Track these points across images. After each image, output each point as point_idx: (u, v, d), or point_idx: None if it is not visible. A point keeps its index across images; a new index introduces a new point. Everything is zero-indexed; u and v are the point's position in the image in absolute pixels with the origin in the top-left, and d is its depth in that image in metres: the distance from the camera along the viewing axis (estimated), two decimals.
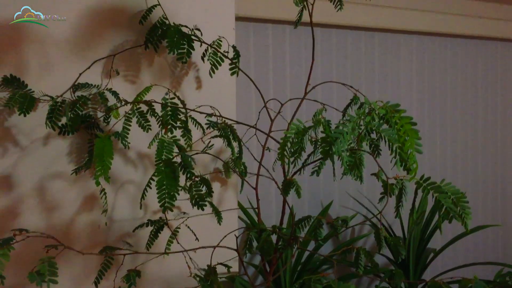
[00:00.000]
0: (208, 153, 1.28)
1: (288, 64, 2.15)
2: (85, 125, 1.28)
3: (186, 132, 1.24)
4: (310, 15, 1.12)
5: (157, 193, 0.95)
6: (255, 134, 1.43)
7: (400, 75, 2.44)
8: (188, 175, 1.03)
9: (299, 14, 1.22)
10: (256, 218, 1.87)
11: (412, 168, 0.82)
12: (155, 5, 1.36)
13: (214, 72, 1.38)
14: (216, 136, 1.28)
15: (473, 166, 2.73)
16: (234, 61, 1.38)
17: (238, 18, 1.95)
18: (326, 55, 2.25)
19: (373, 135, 0.97)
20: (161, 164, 0.96)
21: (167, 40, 1.22)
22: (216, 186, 1.51)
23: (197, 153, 1.25)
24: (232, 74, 1.39)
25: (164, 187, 0.94)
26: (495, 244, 2.83)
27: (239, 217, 1.68)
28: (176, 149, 1.07)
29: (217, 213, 1.29)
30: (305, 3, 1.14)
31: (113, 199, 1.38)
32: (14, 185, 1.25)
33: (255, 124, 1.44)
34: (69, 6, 1.30)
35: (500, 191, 2.84)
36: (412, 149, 0.80)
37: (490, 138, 2.78)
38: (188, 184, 1.04)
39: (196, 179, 1.07)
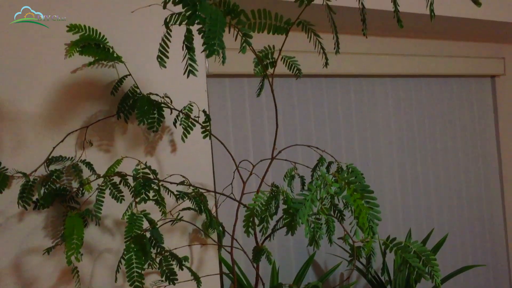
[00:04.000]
0: (184, 220, 1.29)
1: (266, 117, 2.17)
2: (59, 199, 1.29)
3: (160, 200, 1.26)
4: (271, 85, 1.15)
5: (126, 272, 0.96)
6: (231, 195, 1.44)
7: (378, 117, 2.48)
8: (158, 250, 1.04)
9: (261, 83, 1.26)
10: (244, 274, 1.86)
11: (369, 234, 0.84)
12: (126, 75, 1.40)
13: (186, 137, 1.41)
14: (187, 208, 1.29)
15: (459, 204, 2.75)
16: (205, 124, 1.41)
17: (213, 75, 1.99)
18: (303, 103, 2.29)
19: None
20: (129, 242, 0.97)
21: (136, 111, 1.25)
22: (196, 247, 1.51)
23: (171, 221, 1.26)
24: (204, 137, 1.41)
25: (133, 265, 0.95)
26: (487, 284, 2.81)
27: (224, 273, 1.68)
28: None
29: (197, 279, 1.29)
30: (265, 73, 1.18)
31: (92, 268, 1.38)
32: None
33: (231, 183, 1.46)
34: (40, 80, 1.34)
35: (488, 229, 2.84)
36: (365, 222, 0.82)
37: (473, 171, 2.81)
38: (158, 259, 1.05)
39: (166, 253, 1.08)
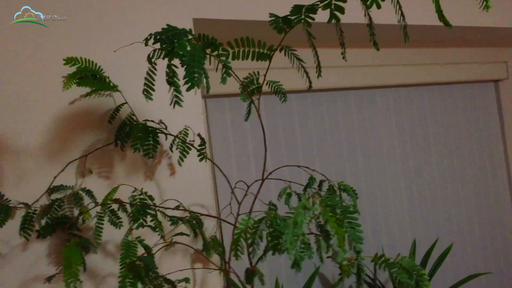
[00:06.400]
0: (181, 243, 1.32)
1: (268, 136, 2.20)
2: (61, 227, 1.33)
3: (158, 225, 1.29)
4: (258, 110, 1.18)
5: None
6: (230, 215, 1.47)
7: (380, 127, 2.49)
8: (151, 277, 1.08)
9: (248, 109, 1.29)
10: None
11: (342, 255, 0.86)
12: (123, 104, 1.45)
13: (182, 160, 1.45)
14: (180, 234, 1.31)
15: (467, 211, 2.73)
16: (200, 147, 1.44)
17: (213, 96, 2.03)
18: (303, 118, 2.31)
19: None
20: (123, 269, 1.00)
21: (131, 139, 1.29)
22: (198, 266, 1.54)
23: (167, 245, 1.29)
24: (200, 160, 1.45)
25: None
26: None
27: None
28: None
29: None
30: (252, 98, 1.21)
31: None
32: None
33: (229, 203, 1.49)
34: (40, 113, 1.39)
35: (498, 236, 2.82)
36: (342, 246, 0.84)
37: (481, 179, 2.79)
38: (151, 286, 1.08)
39: (159, 281, 1.11)
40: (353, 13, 1.58)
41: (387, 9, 1.16)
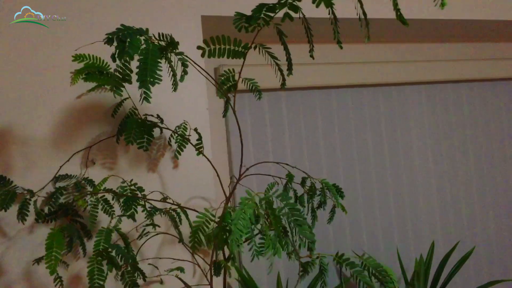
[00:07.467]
0: (168, 234, 1.37)
1: (269, 127, 2.18)
2: (62, 212, 1.43)
3: (150, 215, 1.35)
4: (233, 107, 1.20)
5: (88, 283, 1.06)
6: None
7: (410, 126, 2.41)
8: (120, 264, 1.13)
9: (226, 106, 1.31)
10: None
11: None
12: (125, 98, 1.52)
13: (180, 154, 1.50)
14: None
15: (496, 214, 2.58)
16: (197, 142, 1.48)
17: None
18: (327, 114, 2.29)
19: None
20: (94, 255, 1.07)
21: (125, 133, 1.35)
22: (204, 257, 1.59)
23: (156, 234, 1.35)
24: (197, 154, 1.49)
25: (96, 278, 1.04)
26: None
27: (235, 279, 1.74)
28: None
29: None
30: (229, 95, 1.23)
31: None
32: (3, 272, 1.42)
33: (228, 197, 1.52)
34: (48, 106, 1.49)
35: None
36: (271, 242, 0.84)
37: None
38: (119, 273, 1.14)
39: (127, 268, 1.16)
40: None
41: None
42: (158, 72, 0.93)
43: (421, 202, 2.39)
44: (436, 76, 2.40)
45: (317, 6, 0.86)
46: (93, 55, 1.47)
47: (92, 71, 1.48)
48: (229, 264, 1.10)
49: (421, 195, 2.39)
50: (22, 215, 1.30)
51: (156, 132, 1.56)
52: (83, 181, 1.47)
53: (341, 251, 2.17)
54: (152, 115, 1.51)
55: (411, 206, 2.37)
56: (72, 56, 1.46)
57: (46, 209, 1.43)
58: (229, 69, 1.24)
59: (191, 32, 1.65)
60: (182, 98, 1.62)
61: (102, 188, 1.32)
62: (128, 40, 0.89)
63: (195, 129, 1.51)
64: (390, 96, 2.37)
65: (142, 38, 0.93)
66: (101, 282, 1.04)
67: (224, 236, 0.92)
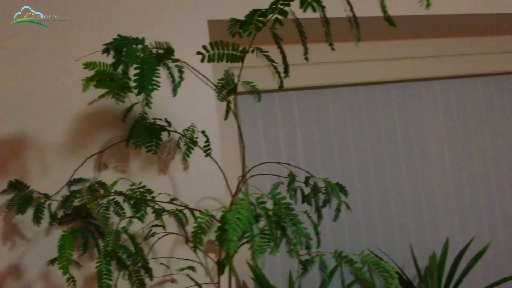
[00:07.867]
0: (174, 233, 1.41)
1: (281, 128, 2.20)
2: (76, 214, 1.48)
3: (159, 216, 1.39)
4: (234, 112, 1.23)
5: (97, 282, 1.10)
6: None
7: (425, 122, 2.40)
8: (130, 263, 1.17)
9: (227, 109, 1.34)
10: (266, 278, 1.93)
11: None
12: (135, 104, 1.57)
13: (188, 156, 1.54)
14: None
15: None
16: (205, 144, 1.52)
17: (241, 92, 2.10)
18: (340, 115, 2.30)
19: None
20: (102, 255, 1.11)
21: (133, 137, 1.40)
22: (213, 256, 1.63)
23: (167, 234, 1.39)
24: (205, 156, 1.53)
25: (104, 277, 1.09)
26: None
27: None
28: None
29: (198, 286, 1.41)
30: (230, 98, 1.26)
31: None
32: (22, 273, 1.48)
33: (234, 196, 1.55)
34: (62, 113, 1.55)
35: None
36: (275, 241, 0.87)
37: None
38: (127, 273, 1.18)
39: (136, 266, 1.20)
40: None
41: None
42: (155, 78, 0.96)
43: (438, 199, 2.38)
44: (451, 71, 2.38)
45: (304, 10, 0.88)
46: (103, 62, 1.52)
47: (102, 78, 1.54)
48: (226, 262, 1.13)
49: (437, 191, 2.38)
50: (37, 218, 1.36)
51: (166, 135, 1.60)
52: (96, 185, 1.53)
53: (356, 249, 2.18)
54: (160, 119, 1.56)
55: (427, 203, 2.35)
56: (83, 64, 1.51)
57: (61, 212, 1.49)
58: (228, 73, 1.27)
59: (198, 36, 1.69)
60: (191, 102, 1.66)
61: (112, 190, 1.37)
62: (125, 50, 0.93)
63: (203, 132, 1.55)
64: (402, 93, 2.36)
65: (139, 47, 0.96)
66: (110, 282, 1.08)
67: (222, 235, 0.95)
